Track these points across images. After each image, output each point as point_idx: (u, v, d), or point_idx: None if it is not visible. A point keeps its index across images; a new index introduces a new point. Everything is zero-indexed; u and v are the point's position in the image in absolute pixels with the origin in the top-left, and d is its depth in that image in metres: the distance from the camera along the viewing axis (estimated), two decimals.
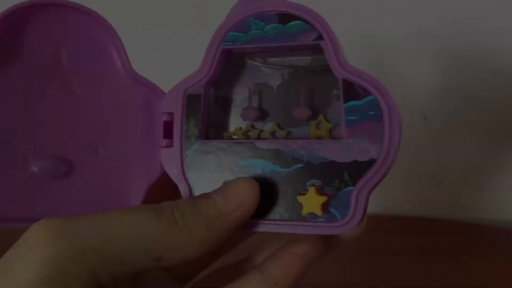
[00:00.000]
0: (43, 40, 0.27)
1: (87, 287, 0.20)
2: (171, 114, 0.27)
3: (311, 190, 0.24)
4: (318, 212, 0.23)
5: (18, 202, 0.26)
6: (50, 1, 0.26)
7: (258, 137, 0.27)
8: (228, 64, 0.27)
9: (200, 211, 0.23)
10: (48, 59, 0.27)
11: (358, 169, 0.23)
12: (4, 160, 0.26)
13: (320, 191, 0.24)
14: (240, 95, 0.28)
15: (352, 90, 0.24)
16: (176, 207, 0.23)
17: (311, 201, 0.24)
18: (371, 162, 0.23)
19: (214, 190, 0.24)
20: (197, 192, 0.26)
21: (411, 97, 0.49)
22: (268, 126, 0.27)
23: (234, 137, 0.27)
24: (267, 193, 0.25)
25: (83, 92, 0.28)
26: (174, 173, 0.27)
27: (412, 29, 0.49)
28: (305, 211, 0.24)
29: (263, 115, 0.27)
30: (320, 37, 0.24)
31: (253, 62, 0.28)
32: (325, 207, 0.24)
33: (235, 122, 0.28)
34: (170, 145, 0.27)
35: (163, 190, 0.27)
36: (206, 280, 0.29)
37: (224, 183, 0.25)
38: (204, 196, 0.24)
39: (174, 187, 0.27)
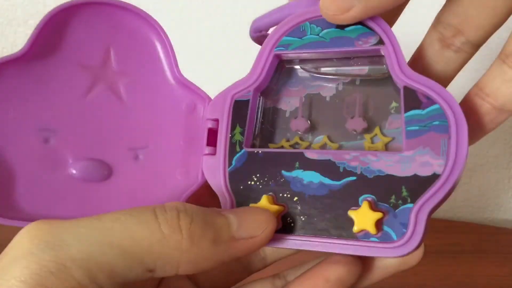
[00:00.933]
0: (91, 39, 0.26)
1: None
2: (216, 121, 0.26)
3: (364, 205, 0.21)
4: (372, 229, 0.21)
5: (51, 202, 0.25)
6: (102, 0, 0.26)
7: (308, 148, 0.25)
8: (279, 72, 0.26)
9: (211, 224, 0.20)
10: (95, 59, 0.26)
11: (418, 184, 0.21)
12: (41, 158, 0.25)
13: (374, 207, 0.21)
14: (290, 106, 0.26)
15: (414, 98, 0.22)
16: (184, 210, 0.20)
17: (364, 217, 0.21)
18: (433, 178, 0.21)
19: (230, 210, 0.22)
20: (238, 205, 0.24)
21: None
22: (318, 139, 0.25)
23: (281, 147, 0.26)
24: (313, 207, 0.23)
25: (128, 95, 0.27)
26: (215, 183, 0.25)
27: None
28: (356, 228, 0.21)
29: (313, 127, 0.26)
30: (380, 42, 0.23)
31: (305, 72, 0.26)
32: (379, 224, 0.21)
33: (283, 133, 0.26)
34: (213, 153, 0.25)
35: (202, 202, 0.26)
36: None
37: (242, 207, 0.23)
38: (218, 211, 0.22)
39: (214, 198, 0.25)
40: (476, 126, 0.22)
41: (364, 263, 0.24)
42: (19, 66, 0.25)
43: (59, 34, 0.26)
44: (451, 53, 0.24)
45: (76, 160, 0.26)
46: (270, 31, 0.26)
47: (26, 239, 0.19)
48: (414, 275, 0.40)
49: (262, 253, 0.27)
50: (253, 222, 0.22)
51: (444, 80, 0.25)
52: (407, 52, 0.24)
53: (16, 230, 0.20)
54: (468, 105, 0.22)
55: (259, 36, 0.27)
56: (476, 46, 0.24)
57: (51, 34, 0.26)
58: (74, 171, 0.26)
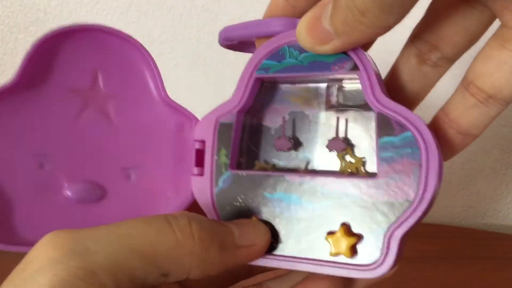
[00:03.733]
0: (79, 64, 0.27)
1: None
2: (203, 142, 0.27)
3: (340, 230, 0.22)
4: (347, 253, 0.22)
5: (51, 226, 0.26)
6: (88, 26, 0.27)
7: (289, 170, 0.26)
8: (263, 91, 0.27)
9: (218, 232, 0.22)
10: (84, 83, 0.27)
11: (392, 210, 0.22)
12: (37, 184, 0.26)
13: (349, 232, 0.22)
14: (274, 123, 0.27)
15: (387, 125, 0.22)
16: (194, 219, 0.22)
17: (340, 242, 0.22)
18: (406, 203, 0.22)
19: (230, 221, 0.24)
20: None
21: None
22: (300, 158, 0.26)
23: (265, 168, 0.27)
24: (293, 228, 0.24)
25: (118, 117, 0.28)
26: (204, 203, 0.26)
27: None
28: (332, 251, 0.23)
29: (296, 144, 0.26)
30: (356, 67, 0.23)
31: (289, 90, 0.27)
32: (353, 249, 0.22)
33: (268, 152, 0.27)
34: (201, 174, 0.26)
35: None
36: None
37: (241, 219, 0.24)
38: (221, 222, 0.23)
39: (205, 215, 0.26)
40: (445, 149, 0.23)
41: (346, 278, 0.25)
42: (10, 95, 0.26)
43: (47, 60, 0.27)
44: (427, 68, 0.24)
45: (71, 183, 0.27)
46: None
47: (50, 248, 0.19)
48: (413, 280, 0.40)
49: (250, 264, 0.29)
50: (252, 232, 0.23)
51: (421, 95, 0.25)
52: (383, 68, 0.25)
53: (16, 256, 0.21)
54: (435, 129, 0.23)
55: (229, 44, 0.27)
56: (451, 61, 0.24)
57: (39, 61, 0.26)
58: (69, 194, 0.27)
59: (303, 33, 0.22)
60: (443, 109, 0.23)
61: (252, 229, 0.23)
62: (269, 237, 0.24)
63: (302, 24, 0.22)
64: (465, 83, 0.22)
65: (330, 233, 0.23)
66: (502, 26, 0.22)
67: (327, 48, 0.22)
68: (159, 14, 0.51)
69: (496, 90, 0.22)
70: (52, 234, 0.20)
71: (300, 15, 0.23)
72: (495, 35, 0.22)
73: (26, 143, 0.27)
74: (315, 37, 0.22)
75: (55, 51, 0.27)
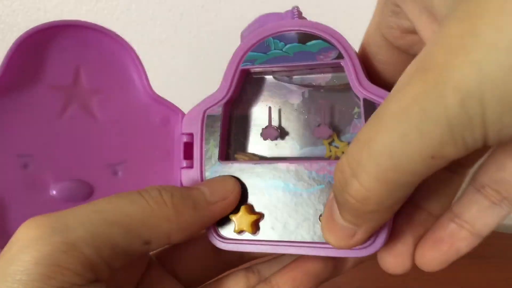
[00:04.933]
0: (62, 61, 0.27)
1: (84, 279, 0.20)
2: (191, 135, 0.27)
3: None
4: None
5: None
6: (69, 22, 0.26)
7: (278, 158, 0.27)
8: (248, 83, 0.27)
9: (189, 195, 0.24)
10: (66, 80, 0.27)
11: None
12: (23, 184, 0.26)
13: None
14: (260, 113, 0.28)
15: (373, 110, 0.23)
16: (163, 188, 0.23)
17: None
18: None
19: (200, 183, 0.25)
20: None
21: None
22: (288, 146, 0.27)
23: (254, 157, 0.27)
24: (287, 214, 0.24)
25: (102, 114, 0.27)
26: None
27: None
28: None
29: (283, 134, 0.27)
30: (340, 56, 0.24)
31: (274, 80, 0.27)
32: None
33: (255, 142, 0.28)
34: (191, 166, 0.27)
35: None
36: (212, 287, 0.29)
37: (210, 178, 0.26)
38: (191, 187, 0.25)
39: None
40: (453, 251, 0.23)
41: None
42: None
43: (28, 58, 0.26)
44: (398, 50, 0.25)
45: (57, 182, 0.27)
46: None
47: (31, 229, 0.20)
48: (414, 280, 0.41)
49: (240, 252, 0.29)
50: (222, 187, 0.25)
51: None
52: None
53: None
54: (446, 231, 0.23)
55: None
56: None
57: (21, 59, 0.26)
58: (55, 193, 0.26)
59: (327, 235, 0.22)
60: (452, 210, 0.23)
61: (222, 185, 0.25)
62: (239, 188, 0.25)
63: (323, 227, 0.22)
64: (478, 186, 0.22)
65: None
66: None
67: (355, 242, 0.21)
68: (159, 13, 0.51)
69: (511, 193, 0.21)
70: (31, 219, 0.21)
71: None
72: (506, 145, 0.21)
73: (9, 144, 0.26)
74: (339, 236, 0.21)
75: (35, 49, 0.26)
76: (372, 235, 0.22)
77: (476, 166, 0.23)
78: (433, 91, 0.15)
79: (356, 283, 0.42)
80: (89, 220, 0.21)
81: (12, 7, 0.53)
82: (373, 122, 0.18)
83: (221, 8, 0.51)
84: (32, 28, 0.26)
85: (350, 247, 0.21)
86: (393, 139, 0.16)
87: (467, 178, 0.24)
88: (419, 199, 0.24)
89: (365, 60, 0.26)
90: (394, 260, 0.23)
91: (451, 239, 0.23)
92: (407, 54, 0.24)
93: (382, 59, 0.25)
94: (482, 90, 0.14)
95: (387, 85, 0.25)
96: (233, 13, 0.51)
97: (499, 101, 0.14)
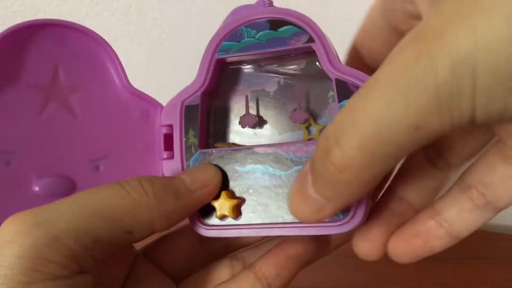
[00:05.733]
0: (40, 59, 0.27)
1: (69, 271, 0.20)
2: (170, 127, 0.27)
3: None
4: None
5: None
6: (46, 21, 0.27)
7: (256, 143, 0.27)
8: (224, 73, 0.28)
9: (169, 184, 0.24)
10: (45, 78, 0.27)
11: None
12: (5, 181, 0.26)
13: None
14: (238, 103, 0.28)
15: (345, 89, 0.24)
16: (143, 178, 0.23)
17: None
18: None
19: (180, 172, 0.26)
20: None
21: None
22: (266, 132, 0.27)
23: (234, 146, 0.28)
24: (268, 197, 0.25)
25: (82, 110, 0.28)
26: None
27: None
28: None
29: (261, 121, 0.28)
30: (311, 40, 0.25)
31: (250, 70, 0.28)
32: None
33: (234, 130, 0.28)
34: (171, 157, 0.27)
35: None
36: (199, 278, 0.29)
37: (191, 167, 0.26)
38: (171, 176, 0.25)
39: None
40: (427, 247, 0.23)
41: (320, 238, 0.27)
42: None
43: (6, 57, 0.27)
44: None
45: (39, 178, 0.27)
46: None
47: (12, 225, 0.20)
48: (411, 280, 0.40)
49: (225, 241, 0.29)
50: (203, 175, 0.25)
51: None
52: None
53: None
54: (424, 226, 0.23)
55: None
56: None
57: (0, 57, 0.26)
58: (38, 189, 0.27)
59: (295, 207, 0.21)
60: (433, 206, 0.23)
61: (203, 172, 0.25)
62: (219, 175, 0.26)
63: (291, 198, 0.21)
64: (464, 186, 0.22)
65: None
66: (505, 144, 0.20)
67: (324, 215, 0.20)
68: (158, 14, 0.52)
69: (497, 199, 0.21)
70: (13, 216, 0.21)
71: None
72: (496, 147, 0.21)
73: None
74: (308, 209, 0.20)
75: (13, 48, 0.27)
76: (340, 210, 0.21)
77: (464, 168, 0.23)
78: (425, 58, 0.15)
79: (351, 282, 0.42)
80: (70, 212, 0.21)
81: (12, 8, 0.53)
82: (362, 91, 0.17)
83: (221, 9, 0.51)
84: (9, 28, 0.26)
85: (316, 221, 0.21)
86: (379, 107, 0.16)
87: (453, 179, 0.24)
88: (401, 189, 0.24)
89: (364, 41, 0.26)
90: (367, 246, 0.23)
91: (427, 235, 0.23)
92: None
93: (383, 41, 0.25)
94: (475, 58, 0.14)
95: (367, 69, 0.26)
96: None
97: (491, 71, 0.14)
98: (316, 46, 0.25)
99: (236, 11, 0.27)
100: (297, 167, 0.25)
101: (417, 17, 0.21)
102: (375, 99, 0.16)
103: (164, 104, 0.28)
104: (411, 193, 0.24)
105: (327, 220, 0.23)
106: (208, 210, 0.26)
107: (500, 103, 0.15)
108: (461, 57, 0.14)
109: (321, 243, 0.27)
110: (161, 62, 0.51)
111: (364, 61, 0.26)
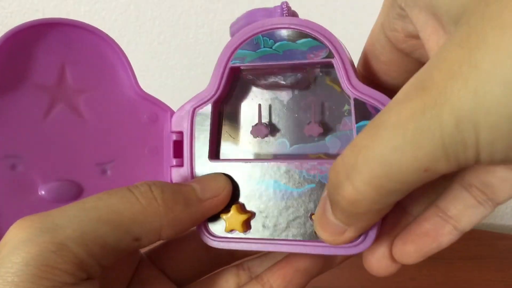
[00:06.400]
0: (46, 60, 0.26)
1: (76, 278, 0.20)
2: (180, 133, 0.27)
3: None
4: None
5: None
6: (54, 20, 0.26)
7: (268, 156, 0.27)
8: (237, 80, 0.27)
9: (179, 191, 0.23)
10: (51, 79, 0.26)
11: None
12: (11, 185, 0.25)
13: None
14: (250, 111, 0.28)
15: (364, 110, 0.23)
16: (154, 184, 0.23)
17: None
18: None
19: (191, 180, 0.25)
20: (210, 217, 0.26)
21: None
22: (278, 142, 0.27)
23: (245, 155, 0.27)
24: (278, 213, 0.25)
25: (90, 113, 0.27)
26: None
27: None
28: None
29: (273, 131, 0.27)
30: (330, 55, 0.24)
31: (263, 78, 0.27)
32: None
33: (246, 138, 0.27)
34: (181, 165, 0.27)
35: None
36: (204, 285, 0.29)
37: (202, 175, 0.26)
38: (182, 183, 0.25)
39: None
40: (436, 244, 0.23)
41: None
42: None
43: (13, 58, 0.26)
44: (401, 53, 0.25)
45: (45, 183, 0.26)
46: None
47: (19, 230, 0.20)
48: (412, 280, 0.41)
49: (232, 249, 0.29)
50: (214, 185, 0.25)
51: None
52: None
53: None
54: (430, 225, 0.23)
55: None
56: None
57: (5, 59, 0.25)
58: (44, 194, 0.26)
59: (319, 230, 0.22)
60: (437, 205, 0.23)
61: (213, 182, 0.25)
62: (230, 186, 0.25)
63: (315, 222, 0.23)
64: (465, 185, 0.23)
65: (313, 214, 0.24)
66: None
67: (344, 239, 0.22)
68: (158, 14, 0.51)
69: (497, 197, 0.22)
70: (20, 220, 0.21)
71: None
72: None
73: None
74: (330, 232, 0.22)
75: (19, 48, 0.26)
76: (361, 234, 0.23)
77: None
78: (431, 110, 0.16)
79: (353, 283, 0.43)
80: (77, 219, 0.21)
81: (10, 8, 0.52)
82: (370, 129, 0.18)
83: (220, 9, 0.51)
84: (16, 27, 0.25)
85: (340, 244, 0.22)
86: (388, 150, 0.17)
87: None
88: (407, 203, 0.24)
89: (368, 59, 0.26)
90: (377, 262, 0.24)
91: (435, 233, 0.23)
92: (410, 57, 0.24)
93: (385, 60, 0.25)
94: (476, 116, 0.15)
95: (389, 86, 0.26)
96: (232, 13, 0.50)
97: (492, 128, 0.15)
98: (336, 62, 0.24)
99: (251, 15, 0.26)
100: (309, 185, 0.24)
101: (416, 36, 0.22)
102: (385, 142, 0.17)
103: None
104: (417, 205, 0.25)
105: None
106: (216, 220, 0.26)
107: (502, 155, 0.16)
108: (464, 113, 0.15)
109: (328, 256, 0.27)
110: (160, 61, 0.50)
111: (373, 76, 0.26)
